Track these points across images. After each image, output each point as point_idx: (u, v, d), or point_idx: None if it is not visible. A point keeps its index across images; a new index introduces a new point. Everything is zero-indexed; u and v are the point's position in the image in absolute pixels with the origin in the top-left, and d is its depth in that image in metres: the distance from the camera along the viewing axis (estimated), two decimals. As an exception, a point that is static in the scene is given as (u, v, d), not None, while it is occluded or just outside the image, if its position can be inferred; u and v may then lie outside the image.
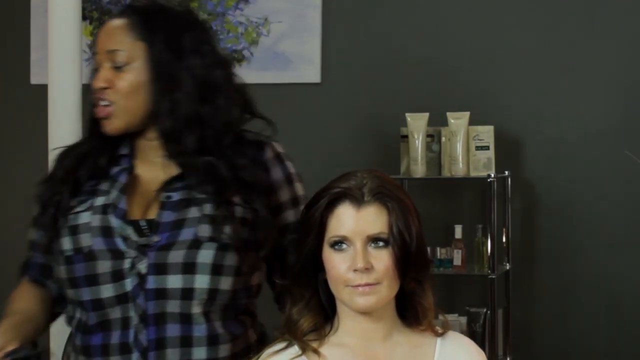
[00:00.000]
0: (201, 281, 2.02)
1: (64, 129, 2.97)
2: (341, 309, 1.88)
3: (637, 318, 4.07)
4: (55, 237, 2.09)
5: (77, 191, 2.11)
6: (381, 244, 1.83)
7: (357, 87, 4.32)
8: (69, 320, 2.14)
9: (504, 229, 4.07)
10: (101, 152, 2.14)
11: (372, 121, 4.30)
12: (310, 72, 4.36)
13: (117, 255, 2.04)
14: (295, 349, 1.86)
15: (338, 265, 1.83)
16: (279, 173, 2.17)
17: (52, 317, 2.19)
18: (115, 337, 2.04)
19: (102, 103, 2.11)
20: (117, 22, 2.14)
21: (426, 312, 1.89)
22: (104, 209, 2.08)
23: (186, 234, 2.03)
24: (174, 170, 2.10)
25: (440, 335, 1.92)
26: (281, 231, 2.14)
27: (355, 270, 1.81)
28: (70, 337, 2.16)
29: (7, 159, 4.52)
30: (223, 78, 2.20)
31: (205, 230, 2.03)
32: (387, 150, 4.19)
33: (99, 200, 2.09)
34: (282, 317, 1.95)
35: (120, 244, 2.05)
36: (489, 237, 3.89)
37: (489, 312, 3.87)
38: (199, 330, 2.03)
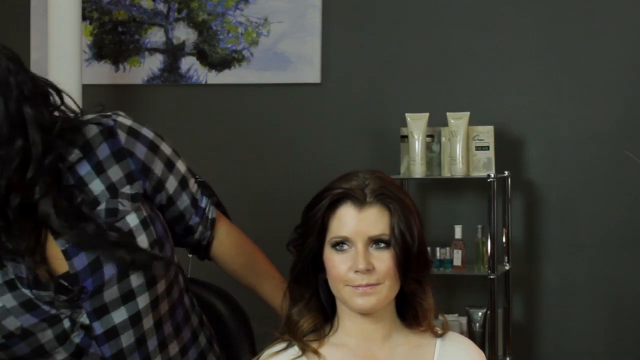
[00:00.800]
0: (143, 300, 2.00)
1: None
2: (341, 309, 1.88)
3: (637, 318, 4.06)
4: None
5: None
6: (382, 245, 1.83)
7: (357, 87, 4.32)
8: None
9: (504, 229, 4.07)
10: None
11: (372, 121, 4.30)
12: (310, 72, 4.35)
13: (53, 320, 1.96)
14: (295, 350, 1.86)
15: (339, 266, 1.83)
16: (142, 148, 2.02)
17: None
18: None
19: None
20: None
21: (426, 313, 1.89)
22: (10, 285, 1.93)
23: (109, 270, 1.96)
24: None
25: (440, 335, 1.92)
26: (170, 200, 2.09)
27: (356, 271, 1.81)
28: None
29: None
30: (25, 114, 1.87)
31: (123, 256, 1.96)
32: (387, 150, 4.19)
33: None
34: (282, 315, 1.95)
35: (50, 309, 1.95)
36: (489, 237, 3.88)
37: (489, 312, 3.87)
38: (152, 343, 2.02)
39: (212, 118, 4.44)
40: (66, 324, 1.96)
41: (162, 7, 4.48)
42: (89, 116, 2.01)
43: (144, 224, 2.00)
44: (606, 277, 4.09)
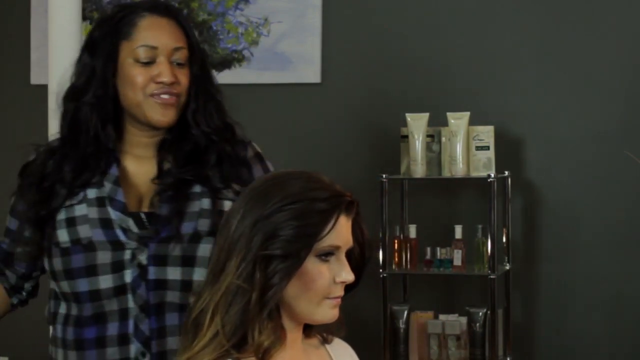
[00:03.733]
0: (199, 274, 2.08)
1: (63, 129, 2.96)
2: (285, 321, 1.75)
3: (637, 318, 4.07)
4: (44, 230, 2.14)
5: (69, 185, 2.15)
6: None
7: (357, 87, 4.32)
8: (53, 317, 2.17)
9: (504, 229, 4.07)
10: (87, 149, 2.16)
11: (372, 121, 4.30)
12: (310, 72, 4.36)
13: (118, 246, 2.08)
14: None
15: (324, 276, 1.72)
16: (260, 171, 2.24)
17: (9, 307, 2.28)
18: (112, 329, 2.08)
19: (166, 96, 2.14)
20: (172, 22, 2.18)
21: (340, 322, 1.81)
22: (100, 202, 2.12)
23: (187, 228, 2.09)
24: (159, 164, 2.17)
25: (328, 340, 1.86)
26: None
27: (341, 282, 1.73)
28: (55, 334, 2.18)
29: (6, 159, 4.51)
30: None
31: (204, 224, 2.10)
32: (387, 150, 4.19)
33: (91, 193, 2.13)
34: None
35: (121, 235, 2.09)
36: (489, 237, 3.88)
37: (489, 312, 3.87)
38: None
39: (212, 118, 4.45)
40: (127, 255, 2.08)
41: (162, 7, 4.48)
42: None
43: None
44: (606, 277, 4.09)
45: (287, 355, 1.76)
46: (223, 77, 4.41)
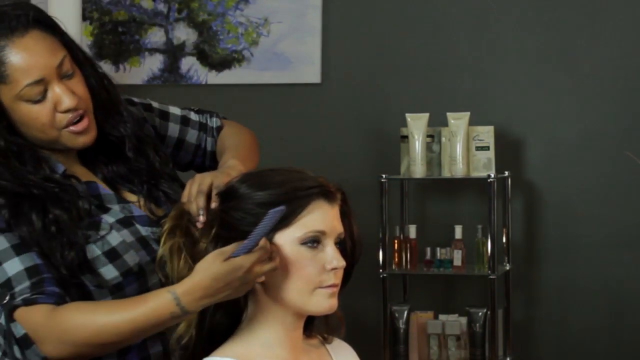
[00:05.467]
0: None
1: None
2: (275, 317, 1.75)
3: (637, 318, 4.07)
4: (72, 273, 1.89)
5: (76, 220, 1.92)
6: (339, 244, 1.75)
7: (357, 87, 4.32)
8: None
9: (504, 229, 4.07)
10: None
11: (372, 121, 4.30)
12: (310, 72, 4.35)
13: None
14: None
15: (312, 265, 1.72)
16: (155, 119, 2.18)
17: None
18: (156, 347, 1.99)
19: (78, 120, 1.94)
20: (37, 32, 1.91)
21: (340, 320, 1.82)
22: (125, 223, 1.96)
23: None
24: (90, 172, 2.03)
25: (328, 340, 1.85)
26: (180, 143, 2.22)
27: (333, 269, 1.71)
28: None
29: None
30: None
31: None
32: (387, 150, 4.19)
33: (109, 218, 1.96)
34: None
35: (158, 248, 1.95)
36: (489, 237, 3.88)
37: (489, 312, 3.87)
38: None
39: (212, 118, 4.44)
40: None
41: (162, 7, 4.48)
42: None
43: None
44: (606, 277, 4.09)
45: (288, 354, 1.76)
46: (223, 77, 4.42)
